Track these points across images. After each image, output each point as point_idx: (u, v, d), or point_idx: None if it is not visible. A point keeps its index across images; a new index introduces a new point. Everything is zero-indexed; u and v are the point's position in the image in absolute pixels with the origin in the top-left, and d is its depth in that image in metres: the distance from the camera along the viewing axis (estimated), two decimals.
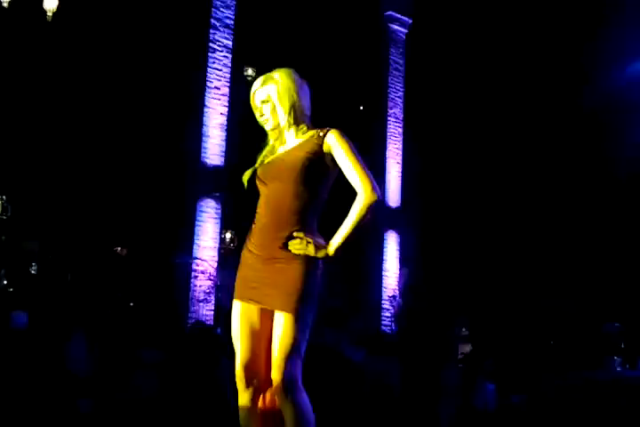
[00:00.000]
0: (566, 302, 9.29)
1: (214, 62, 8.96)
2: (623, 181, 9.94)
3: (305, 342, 2.39)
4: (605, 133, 9.76)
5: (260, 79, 2.62)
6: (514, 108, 10.21)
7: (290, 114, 2.55)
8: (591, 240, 10.02)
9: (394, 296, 9.13)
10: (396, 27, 11.08)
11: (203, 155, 8.47)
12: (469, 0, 10.34)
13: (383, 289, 9.38)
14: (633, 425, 5.71)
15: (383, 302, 9.24)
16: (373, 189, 2.42)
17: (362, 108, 10.72)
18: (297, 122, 2.57)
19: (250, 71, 10.13)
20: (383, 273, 9.46)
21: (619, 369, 8.70)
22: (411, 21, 11.11)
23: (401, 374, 6.19)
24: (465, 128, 10.34)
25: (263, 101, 2.58)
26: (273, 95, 2.57)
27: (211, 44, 8.96)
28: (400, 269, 9.48)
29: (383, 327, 8.90)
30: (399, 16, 11.05)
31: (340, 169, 2.50)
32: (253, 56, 9.80)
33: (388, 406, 5.55)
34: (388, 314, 9.14)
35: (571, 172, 10.24)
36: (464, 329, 7.88)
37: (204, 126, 8.60)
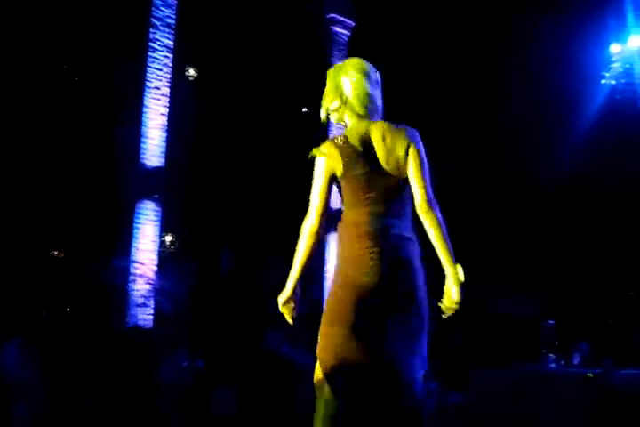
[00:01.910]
0: (507, 300, 9.50)
1: (154, 62, 8.84)
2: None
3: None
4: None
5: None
6: (449, 110, 10.38)
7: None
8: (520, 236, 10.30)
9: None
10: (338, 29, 11.12)
11: (142, 156, 8.34)
12: (412, 3, 10.48)
13: (326, 290, 9.38)
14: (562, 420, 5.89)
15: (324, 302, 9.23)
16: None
17: (305, 110, 10.72)
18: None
19: (191, 71, 10.02)
20: (325, 274, 9.45)
21: (553, 366, 8.94)
22: (354, 24, 11.16)
23: None
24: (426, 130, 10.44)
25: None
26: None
27: (151, 44, 8.83)
28: None
29: None
30: (342, 18, 11.09)
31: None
32: (195, 56, 9.70)
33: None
34: None
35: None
36: None
37: (144, 127, 8.47)
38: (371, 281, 2.45)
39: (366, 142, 2.56)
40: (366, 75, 2.63)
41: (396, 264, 2.46)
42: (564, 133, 10.73)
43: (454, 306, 2.39)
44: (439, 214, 2.47)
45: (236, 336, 6.29)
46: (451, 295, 2.39)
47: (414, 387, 2.38)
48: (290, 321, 2.65)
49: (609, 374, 7.29)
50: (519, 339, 8.91)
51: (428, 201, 2.48)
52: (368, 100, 2.62)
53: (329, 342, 2.46)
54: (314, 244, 2.57)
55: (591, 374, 4.61)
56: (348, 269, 2.54)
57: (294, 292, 2.63)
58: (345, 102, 2.65)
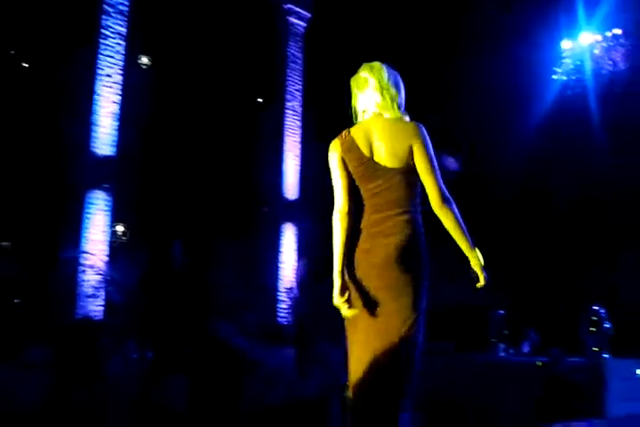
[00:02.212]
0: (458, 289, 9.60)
1: (106, 49, 8.66)
2: None
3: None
4: None
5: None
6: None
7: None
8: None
9: (291, 288, 9.15)
10: (294, 20, 11.08)
11: (92, 144, 8.17)
12: None
13: (280, 281, 9.38)
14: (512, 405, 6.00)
15: (279, 293, 9.24)
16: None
17: (260, 100, 10.66)
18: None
19: (144, 59, 9.86)
20: (279, 265, 9.44)
21: (502, 354, 9.10)
22: (310, 15, 11.13)
23: (297, 364, 6.22)
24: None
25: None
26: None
27: (103, 31, 8.64)
28: (298, 261, 9.51)
29: (279, 319, 8.91)
30: (298, 10, 11.05)
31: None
32: (149, 44, 9.53)
33: (282, 397, 5.55)
34: (284, 306, 9.15)
35: None
36: None
37: (94, 115, 8.30)
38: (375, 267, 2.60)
39: (366, 136, 2.69)
40: (383, 78, 2.76)
41: (392, 261, 2.57)
42: (516, 129, 10.89)
43: (482, 284, 2.65)
44: (454, 208, 2.59)
45: (186, 327, 6.23)
46: (479, 277, 2.64)
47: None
48: (348, 313, 2.64)
49: (557, 363, 7.46)
50: (469, 329, 9.04)
51: (442, 196, 2.59)
52: (385, 100, 2.75)
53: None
54: (347, 227, 2.67)
55: (540, 363, 4.70)
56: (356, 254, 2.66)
57: (344, 280, 2.65)
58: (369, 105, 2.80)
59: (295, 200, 9.97)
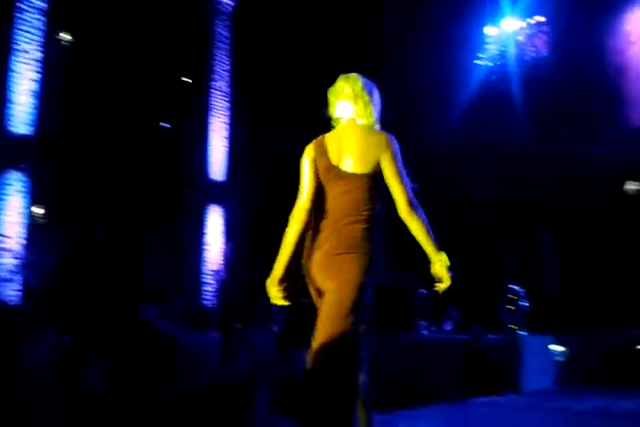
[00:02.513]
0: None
1: (24, 24, 8.30)
2: None
3: None
4: None
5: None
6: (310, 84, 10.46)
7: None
8: None
9: (217, 271, 9.09)
10: None
11: (8, 122, 7.85)
12: None
13: (205, 264, 9.29)
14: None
15: (205, 276, 9.16)
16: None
17: (186, 79, 10.46)
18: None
19: (65, 36, 9.53)
20: (205, 247, 9.35)
21: (425, 333, 9.34)
22: None
23: (222, 348, 6.20)
24: (295, 106, 10.45)
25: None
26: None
27: (20, 4, 8.28)
28: (225, 244, 9.44)
29: (205, 302, 8.85)
30: None
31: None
32: (70, 20, 9.21)
33: (208, 381, 5.52)
34: (210, 289, 9.09)
35: None
36: None
37: (10, 92, 7.96)
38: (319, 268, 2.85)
39: (338, 143, 2.88)
40: (358, 87, 2.95)
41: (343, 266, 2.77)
42: (441, 115, 11.05)
43: (447, 285, 2.78)
44: (421, 214, 2.77)
45: (107, 310, 6.12)
46: (444, 279, 2.77)
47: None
48: (281, 302, 2.89)
49: (478, 340, 7.71)
50: (395, 308, 9.21)
51: (409, 203, 2.77)
52: (359, 107, 2.94)
53: None
54: (302, 224, 2.87)
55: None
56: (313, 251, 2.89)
57: (285, 272, 2.88)
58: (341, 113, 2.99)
59: (222, 182, 9.87)
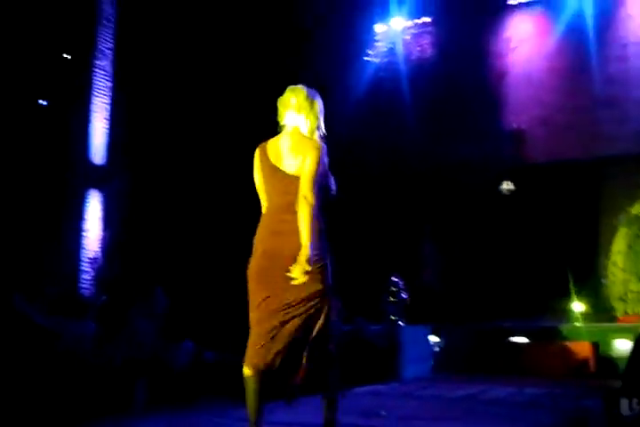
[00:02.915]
0: None
1: None
2: None
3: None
4: None
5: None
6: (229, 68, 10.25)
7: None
8: None
9: (95, 258, 8.69)
10: None
11: None
12: None
13: (83, 251, 8.85)
14: None
15: (82, 264, 8.73)
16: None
17: (67, 56, 9.88)
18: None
19: None
20: (83, 234, 8.89)
21: None
22: None
23: (96, 337, 5.96)
24: (181, 88, 10.15)
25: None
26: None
27: None
28: (103, 231, 9.04)
29: (82, 290, 8.43)
30: None
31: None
32: None
33: (82, 370, 5.28)
34: (87, 277, 8.67)
35: None
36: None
37: None
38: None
39: (278, 147, 3.31)
40: (303, 98, 3.40)
41: (287, 253, 3.12)
42: (330, 110, 11.08)
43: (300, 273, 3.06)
44: (310, 212, 3.11)
45: None
46: (299, 268, 3.05)
47: None
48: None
49: (361, 330, 7.84)
50: None
51: (303, 198, 3.13)
52: (302, 115, 3.39)
53: None
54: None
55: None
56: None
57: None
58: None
59: (102, 165, 9.42)
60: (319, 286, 3.15)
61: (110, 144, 9.62)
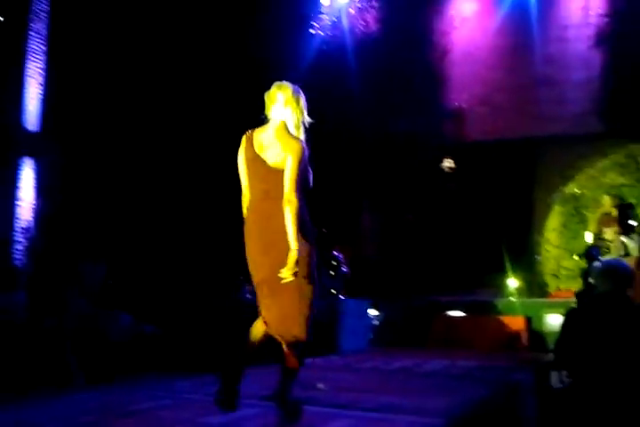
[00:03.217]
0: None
1: None
2: None
3: None
4: None
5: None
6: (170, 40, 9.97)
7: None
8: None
9: (28, 228, 8.40)
10: None
11: None
12: None
13: (16, 220, 8.53)
14: None
15: (15, 233, 8.42)
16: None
17: None
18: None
19: None
20: (17, 203, 8.56)
21: (248, 296, 9.33)
22: None
23: (27, 307, 5.80)
24: (119, 54, 9.81)
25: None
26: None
27: None
28: (37, 200, 8.73)
29: (14, 261, 8.14)
30: None
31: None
32: None
33: (12, 341, 5.14)
34: (20, 247, 8.37)
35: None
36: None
37: None
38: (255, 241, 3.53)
39: (262, 139, 3.55)
40: (289, 94, 3.65)
41: (272, 237, 3.40)
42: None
43: (287, 273, 3.26)
44: (294, 209, 3.33)
45: None
46: (288, 271, 3.26)
47: None
48: None
49: None
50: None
51: (288, 198, 3.34)
52: (288, 110, 3.64)
53: None
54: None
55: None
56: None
57: None
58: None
59: (37, 132, 9.05)
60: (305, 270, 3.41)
61: (44, 111, 9.25)
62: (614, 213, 10.23)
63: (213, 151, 9.03)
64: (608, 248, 8.36)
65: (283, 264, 3.24)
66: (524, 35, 11.54)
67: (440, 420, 3.80)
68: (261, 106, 3.65)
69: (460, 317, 8.87)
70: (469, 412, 4.22)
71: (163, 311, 6.72)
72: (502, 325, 8.44)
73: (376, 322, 8.88)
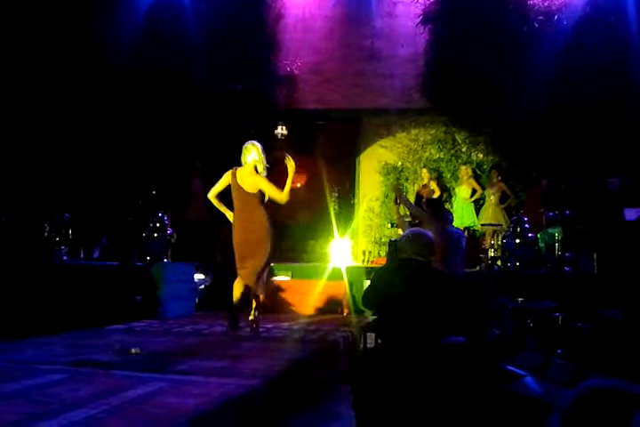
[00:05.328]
0: None
1: None
2: None
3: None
4: None
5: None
6: None
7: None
8: None
9: None
10: None
11: None
12: None
13: None
14: None
15: None
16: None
17: None
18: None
19: None
20: None
21: (65, 258, 8.90)
22: None
23: None
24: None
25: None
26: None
27: None
28: None
29: None
30: None
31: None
32: None
33: None
34: None
35: None
36: None
37: None
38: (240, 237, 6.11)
39: (241, 175, 6.06)
40: (259, 150, 6.15)
41: (250, 229, 6.05)
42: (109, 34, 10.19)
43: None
44: (279, 198, 6.01)
45: None
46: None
47: None
48: None
49: (122, 267, 7.61)
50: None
51: (276, 198, 6.00)
52: (257, 160, 6.15)
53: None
54: (217, 202, 6.27)
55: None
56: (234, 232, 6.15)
57: None
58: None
59: None
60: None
61: None
62: (432, 185, 10.88)
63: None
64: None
65: (255, 244, 5.97)
66: (357, 7, 11.77)
67: (256, 381, 3.83)
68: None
69: (285, 281, 9.00)
70: (285, 372, 4.30)
71: None
72: (325, 289, 8.66)
73: (202, 286, 8.80)
